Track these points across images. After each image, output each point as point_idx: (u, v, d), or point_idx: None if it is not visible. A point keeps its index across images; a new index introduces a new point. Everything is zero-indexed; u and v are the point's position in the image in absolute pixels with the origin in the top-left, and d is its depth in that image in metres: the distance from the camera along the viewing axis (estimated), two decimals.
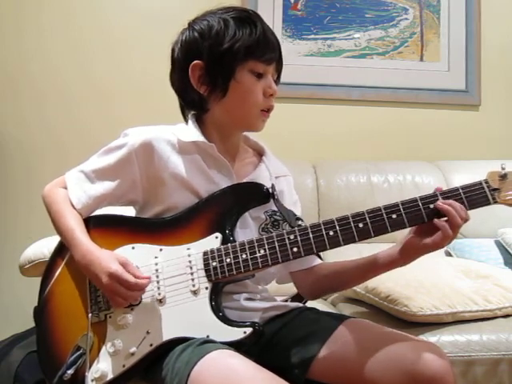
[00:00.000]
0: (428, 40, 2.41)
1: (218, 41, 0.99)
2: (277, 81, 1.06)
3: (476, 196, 0.89)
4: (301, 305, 1.09)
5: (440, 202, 0.89)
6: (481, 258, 1.82)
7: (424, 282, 1.41)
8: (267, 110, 1.03)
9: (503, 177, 0.89)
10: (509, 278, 1.50)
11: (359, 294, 1.52)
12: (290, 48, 2.29)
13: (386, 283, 1.44)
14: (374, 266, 0.99)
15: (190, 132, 1.03)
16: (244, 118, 1.04)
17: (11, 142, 2.16)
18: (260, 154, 1.13)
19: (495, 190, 0.89)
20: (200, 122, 1.06)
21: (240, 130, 1.09)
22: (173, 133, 1.04)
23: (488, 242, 1.91)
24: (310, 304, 1.13)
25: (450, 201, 0.89)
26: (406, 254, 0.95)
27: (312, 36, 2.34)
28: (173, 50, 1.06)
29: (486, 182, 0.89)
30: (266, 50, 1.00)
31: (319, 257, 1.10)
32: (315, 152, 2.25)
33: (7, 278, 2.06)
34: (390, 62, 2.38)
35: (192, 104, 1.06)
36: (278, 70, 1.06)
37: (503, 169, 0.90)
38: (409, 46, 2.39)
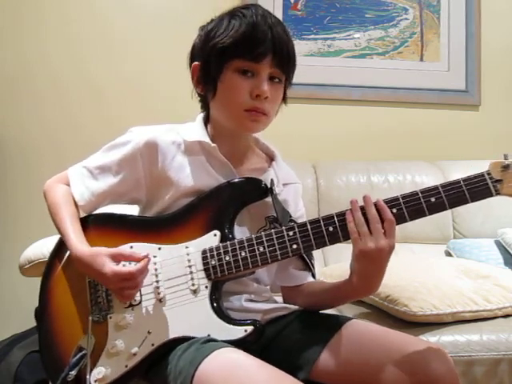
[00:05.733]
0: (428, 40, 2.40)
1: (208, 39, 0.96)
2: (286, 81, 0.99)
3: (478, 188, 0.85)
4: None
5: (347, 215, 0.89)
6: (481, 258, 1.82)
7: (424, 282, 1.41)
8: (253, 110, 0.95)
9: (506, 167, 0.85)
10: (509, 278, 1.50)
11: None
12: None
13: (386, 283, 1.43)
14: (350, 286, 0.94)
15: (195, 132, 1.03)
16: (229, 118, 0.99)
17: (10, 142, 2.16)
18: (271, 158, 1.11)
19: (498, 181, 0.85)
20: (207, 123, 1.05)
21: (234, 130, 1.02)
22: (178, 133, 1.03)
23: (488, 242, 1.91)
24: None
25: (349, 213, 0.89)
26: (357, 263, 0.91)
27: (312, 36, 2.34)
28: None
29: (489, 173, 0.85)
30: (252, 45, 0.91)
31: (313, 275, 1.09)
32: (315, 152, 2.25)
33: (7, 278, 2.06)
34: (390, 62, 2.38)
35: (201, 103, 1.07)
36: (280, 66, 0.95)
37: (506, 159, 0.86)
38: (409, 46, 2.39)
